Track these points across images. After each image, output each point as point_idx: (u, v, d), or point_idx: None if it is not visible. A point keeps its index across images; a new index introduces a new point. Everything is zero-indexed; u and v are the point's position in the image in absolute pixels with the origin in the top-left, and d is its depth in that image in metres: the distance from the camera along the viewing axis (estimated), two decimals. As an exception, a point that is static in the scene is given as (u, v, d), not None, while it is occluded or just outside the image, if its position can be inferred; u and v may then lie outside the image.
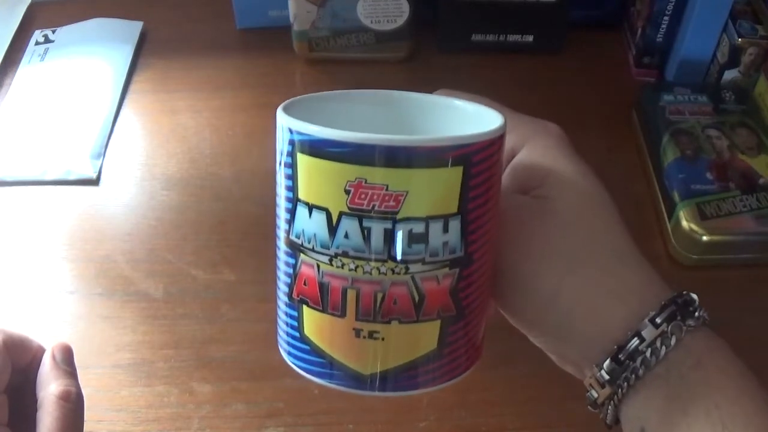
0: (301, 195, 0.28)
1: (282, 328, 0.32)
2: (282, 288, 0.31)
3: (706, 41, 0.71)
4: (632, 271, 0.32)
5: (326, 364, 0.30)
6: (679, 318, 0.30)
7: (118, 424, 0.50)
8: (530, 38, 0.76)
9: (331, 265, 0.28)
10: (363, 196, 0.27)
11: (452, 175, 0.27)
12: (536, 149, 0.34)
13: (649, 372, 0.29)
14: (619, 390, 0.30)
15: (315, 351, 0.30)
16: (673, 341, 0.29)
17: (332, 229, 0.27)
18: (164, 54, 0.77)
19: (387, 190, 0.26)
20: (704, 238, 0.57)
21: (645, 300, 0.30)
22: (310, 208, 0.28)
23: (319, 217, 0.27)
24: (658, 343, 0.29)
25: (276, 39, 0.76)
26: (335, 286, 0.28)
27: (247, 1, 0.77)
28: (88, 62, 0.75)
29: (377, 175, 0.26)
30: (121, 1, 0.81)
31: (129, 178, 0.66)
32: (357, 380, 0.29)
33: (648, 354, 0.29)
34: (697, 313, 0.31)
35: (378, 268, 0.27)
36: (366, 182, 0.26)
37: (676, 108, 0.66)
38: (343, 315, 0.28)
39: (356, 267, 0.27)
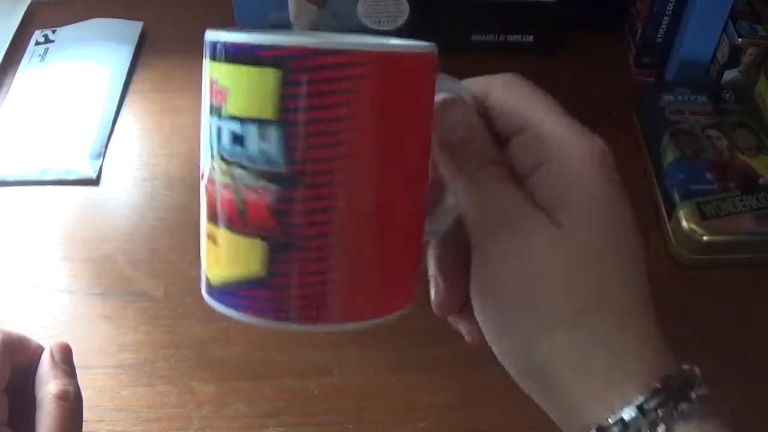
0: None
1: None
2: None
3: (706, 41, 0.71)
4: (630, 340, 0.28)
5: (199, 269, 0.30)
6: (671, 404, 0.26)
7: (118, 424, 0.50)
8: (530, 38, 0.76)
9: (211, 168, 0.28)
10: (212, 92, 0.28)
11: (267, 77, 0.26)
12: (568, 163, 0.30)
13: None
14: None
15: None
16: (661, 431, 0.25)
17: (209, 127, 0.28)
18: (164, 54, 0.77)
19: (216, 85, 0.27)
20: (704, 238, 0.57)
21: (636, 378, 0.27)
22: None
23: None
24: None
25: (276, 39, 0.76)
26: (208, 188, 0.29)
27: (247, 2, 0.77)
28: (88, 62, 0.75)
29: (212, 69, 0.28)
30: (121, 1, 0.81)
31: (129, 178, 0.66)
32: (210, 290, 0.30)
33: None
34: (694, 394, 0.27)
35: (213, 167, 0.28)
36: (211, 78, 0.28)
37: (676, 108, 0.66)
38: (204, 217, 0.29)
39: (204, 165, 0.28)
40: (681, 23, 0.71)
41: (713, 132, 0.64)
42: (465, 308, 0.31)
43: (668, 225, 0.60)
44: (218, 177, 0.27)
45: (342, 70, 0.26)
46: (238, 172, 0.27)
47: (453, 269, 0.31)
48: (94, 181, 0.65)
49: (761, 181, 0.60)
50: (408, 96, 0.28)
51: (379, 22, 0.72)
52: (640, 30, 0.74)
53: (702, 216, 0.57)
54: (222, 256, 0.28)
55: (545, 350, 0.27)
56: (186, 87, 0.74)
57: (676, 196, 0.59)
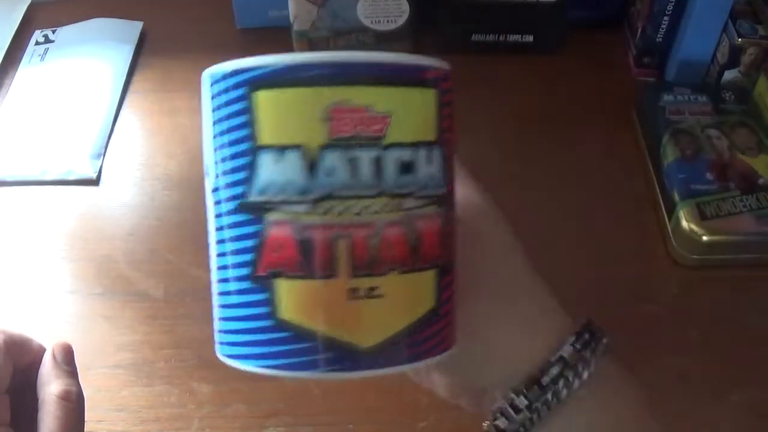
0: (265, 139, 0.24)
1: (238, 326, 0.26)
2: (237, 274, 0.26)
3: (706, 41, 0.71)
4: (544, 305, 0.32)
5: (317, 348, 0.25)
6: (593, 343, 0.30)
7: (118, 424, 0.50)
8: (530, 38, 0.76)
9: (314, 213, 0.24)
10: (346, 121, 0.24)
11: (430, 98, 0.25)
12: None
13: (571, 395, 0.29)
14: (536, 414, 0.29)
15: (299, 335, 0.25)
16: (593, 365, 0.30)
17: (312, 168, 0.24)
18: (164, 54, 0.77)
19: (372, 111, 0.24)
20: (704, 238, 0.57)
21: (559, 328, 0.31)
22: (279, 150, 0.24)
23: (293, 158, 0.24)
24: (579, 367, 0.29)
25: (276, 39, 0.76)
26: (320, 239, 0.24)
27: (247, 1, 0.77)
28: (88, 62, 0.75)
29: (361, 95, 0.24)
30: (121, 1, 0.81)
31: (129, 178, 0.66)
32: (356, 357, 0.25)
33: (570, 377, 0.29)
34: (604, 339, 0.31)
35: (369, 207, 0.24)
36: (348, 105, 0.23)
37: (676, 108, 0.66)
38: (333, 275, 0.24)
39: (345, 209, 0.24)
40: (681, 23, 0.71)
41: (713, 132, 0.64)
42: None
43: (668, 225, 0.60)
44: (380, 217, 0.24)
45: (451, 89, 0.27)
46: (408, 203, 0.25)
47: None
48: (94, 181, 0.65)
49: (761, 181, 0.60)
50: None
51: (379, 22, 0.72)
52: (640, 30, 0.74)
53: (702, 216, 0.57)
54: (392, 308, 0.25)
55: (485, 330, 0.30)
56: (186, 87, 0.74)
57: (676, 196, 0.59)
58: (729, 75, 0.70)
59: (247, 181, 0.25)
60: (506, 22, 0.75)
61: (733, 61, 0.69)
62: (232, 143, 0.25)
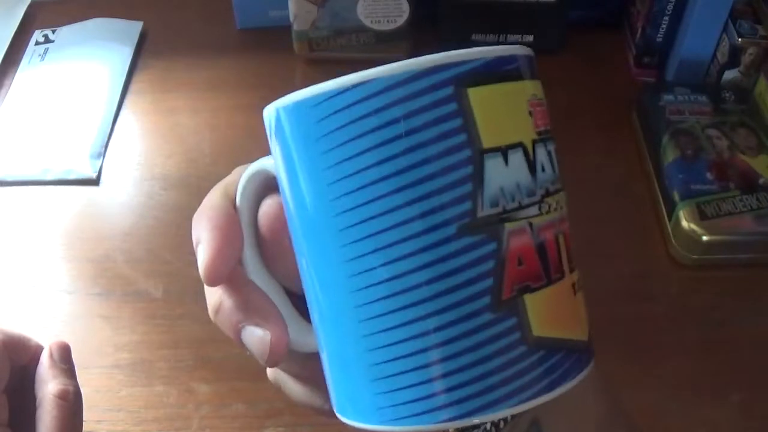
0: (489, 141, 0.22)
1: (483, 370, 0.22)
2: (473, 308, 0.22)
3: (706, 41, 0.70)
4: None
5: (566, 358, 0.23)
6: None
7: (117, 424, 0.50)
8: (530, 38, 0.76)
9: (541, 213, 0.23)
10: (541, 115, 0.23)
11: (536, 89, 0.24)
12: None
13: None
14: None
15: (553, 349, 0.22)
16: None
17: (532, 166, 0.22)
18: (164, 54, 0.77)
19: (542, 104, 0.24)
20: (704, 238, 0.57)
21: None
22: (505, 152, 0.22)
23: (518, 158, 0.22)
24: None
25: (276, 39, 0.76)
26: (550, 239, 0.23)
27: (247, 1, 0.77)
28: (88, 62, 0.75)
29: (539, 88, 0.24)
30: (121, 1, 0.81)
31: (129, 178, 0.66)
32: (584, 356, 0.23)
33: None
34: None
35: (558, 200, 0.23)
36: (536, 98, 0.23)
37: (676, 108, 0.66)
38: (563, 274, 0.23)
39: (557, 204, 0.23)
40: (681, 23, 0.71)
41: (713, 132, 0.64)
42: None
43: (668, 225, 0.60)
44: (560, 212, 0.23)
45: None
46: (555, 201, 0.23)
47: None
48: (94, 181, 0.65)
49: (761, 181, 0.60)
50: None
51: (379, 21, 0.72)
52: (640, 30, 0.74)
53: (702, 216, 0.57)
54: (586, 296, 0.24)
55: None
56: (185, 87, 0.74)
57: (676, 196, 0.59)
58: (729, 75, 0.70)
59: (472, 195, 0.22)
60: (506, 21, 0.75)
61: (733, 61, 0.69)
62: (446, 151, 0.21)
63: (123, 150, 0.68)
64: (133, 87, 0.74)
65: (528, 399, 0.22)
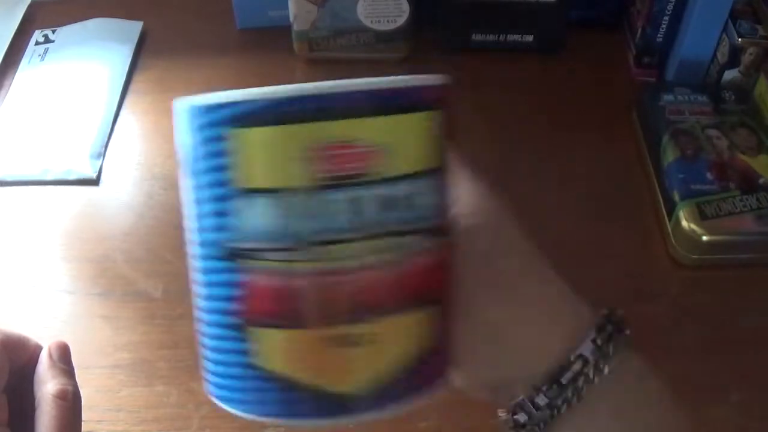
0: (247, 182, 0.22)
1: (223, 371, 0.26)
2: (215, 319, 0.24)
3: (706, 41, 0.70)
4: (560, 296, 0.31)
5: (303, 398, 0.23)
6: (615, 336, 0.30)
7: (118, 424, 0.50)
8: (530, 38, 0.76)
9: (303, 261, 0.22)
10: (333, 159, 0.21)
11: (430, 122, 0.23)
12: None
13: (592, 390, 0.29)
14: (556, 411, 0.29)
15: (287, 386, 0.23)
16: (614, 360, 0.29)
17: (297, 212, 0.22)
18: (164, 54, 0.77)
19: (361, 146, 0.22)
20: (704, 238, 0.57)
21: (579, 321, 0.30)
22: (264, 194, 0.22)
23: (278, 203, 0.22)
24: (600, 363, 0.29)
25: (276, 39, 0.76)
26: (307, 286, 0.22)
27: (247, 1, 0.77)
28: (88, 62, 0.75)
29: (343, 130, 0.21)
30: (121, 1, 0.81)
31: (129, 178, 0.66)
32: (345, 406, 0.23)
33: (590, 373, 0.29)
34: (627, 330, 0.31)
35: (361, 249, 0.22)
36: (335, 142, 0.21)
37: (676, 108, 0.66)
38: (322, 323, 0.23)
39: (334, 255, 0.22)
40: (681, 23, 0.71)
41: (713, 132, 0.64)
42: None
43: (668, 225, 0.60)
44: (374, 258, 0.22)
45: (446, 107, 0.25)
46: (406, 240, 0.23)
47: None
48: (94, 181, 0.65)
49: (761, 181, 0.60)
50: None
51: (379, 21, 0.72)
52: (640, 30, 0.74)
53: (702, 216, 0.57)
54: (378, 353, 0.23)
55: (499, 325, 0.30)
56: (186, 87, 0.74)
57: (676, 196, 0.59)
58: (729, 75, 0.70)
59: (225, 228, 0.23)
60: (506, 21, 0.75)
61: (733, 61, 0.69)
62: (212, 185, 0.23)
63: (123, 150, 0.68)
64: (133, 87, 0.74)
65: (254, 414, 0.25)
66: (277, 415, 0.24)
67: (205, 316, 0.25)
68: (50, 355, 0.38)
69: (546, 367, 0.29)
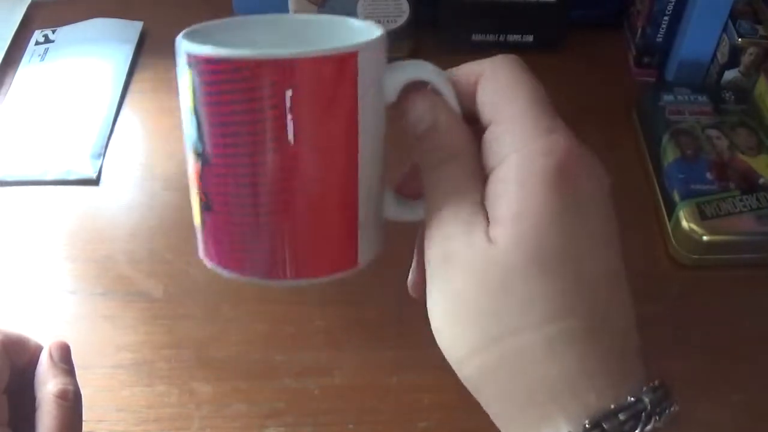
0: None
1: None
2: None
3: (706, 41, 0.71)
4: (558, 366, 0.25)
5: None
6: (644, 415, 0.25)
7: (118, 424, 0.50)
8: (530, 38, 0.76)
9: None
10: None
11: (189, 75, 0.31)
12: (522, 158, 0.27)
13: None
14: None
15: None
16: None
17: None
18: (164, 54, 0.76)
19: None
20: (704, 238, 0.57)
21: (565, 411, 0.25)
22: None
23: None
24: None
25: (276, 39, 0.76)
26: None
27: (247, 1, 0.77)
28: (88, 62, 0.75)
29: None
30: (121, 1, 0.81)
31: (129, 178, 0.66)
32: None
33: None
34: (672, 408, 0.26)
35: None
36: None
37: (676, 108, 0.66)
38: None
39: None
40: (681, 23, 0.71)
41: (713, 132, 0.64)
42: None
43: (668, 225, 0.60)
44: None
45: (232, 74, 0.29)
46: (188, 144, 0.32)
47: (421, 255, 0.30)
48: (94, 181, 0.65)
49: (761, 181, 0.60)
50: (311, 95, 0.30)
51: (379, 21, 0.72)
52: (640, 30, 0.74)
53: (702, 216, 0.57)
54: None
55: (472, 369, 0.27)
56: (186, 87, 0.74)
57: (676, 196, 0.59)
58: (729, 75, 0.70)
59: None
60: (506, 21, 0.75)
61: (733, 61, 0.69)
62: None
63: (123, 150, 0.68)
64: (134, 87, 0.74)
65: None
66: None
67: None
68: (51, 355, 0.38)
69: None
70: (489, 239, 0.26)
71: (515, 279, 0.26)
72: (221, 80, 0.30)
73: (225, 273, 0.34)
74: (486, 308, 0.26)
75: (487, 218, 0.27)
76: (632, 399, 0.25)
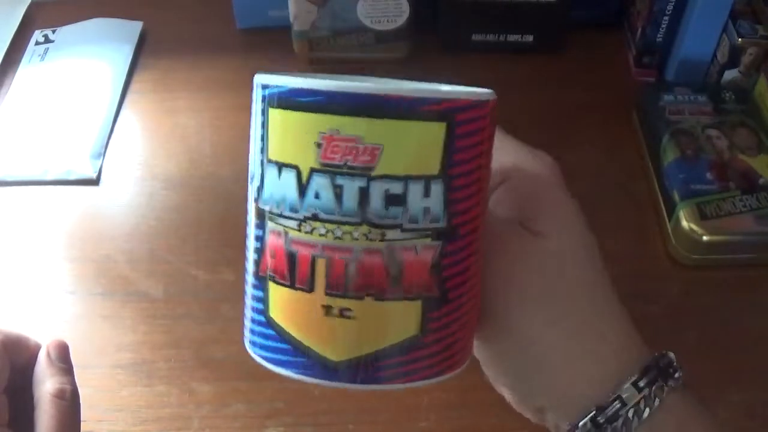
0: (271, 154, 0.26)
1: (247, 315, 0.30)
2: (249, 268, 0.29)
3: (706, 41, 0.71)
4: (613, 328, 0.31)
5: (293, 351, 0.27)
6: (660, 381, 0.29)
7: (118, 424, 0.50)
8: (530, 38, 0.76)
9: (300, 230, 0.26)
10: (335, 149, 0.25)
11: (434, 132, 0.25)
12: (529, 176, 0.33)
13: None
14: None
15: (281, 336, 0.27)
16: (656, 403, 0.29)
17: (302, 188, 0.25)
18: (164, 54, 0.77)
19: (362, 142, 0.25)
20: (704, 238, 0.57)
21: (625, 361, 0.30)
22: (280, 167, 0.26)
23: (289, 177, 0.26)
24: (641, 405, 0.29)
25: (276, 39, 0.76)
26: (303, 254, 0.26)
27: (247, 1, 0.77)
28: (88, 62, 0.75)
29: (351, 125, 0.25)
30: (121, 1, 0.81)
31: (129, 178, 0.66)
32: (327, 369, 0.27)
33: (630, 415, 0.28)
34: (677, 374, 0.30)
35: (351, 233, 0.25)
36: (339, 134, 0.25)
37: (676, 108, 0.66)
38: (311, 289, 0.26)
39: (327, 232, 0.25)
40: (681, 23, 0.71)
41: (713, 132, 0.64)
42: None
43: (668, 225, 0.60)
44: (360, 244, 0.25)
45: (480, 122, 0.27)
46: (392, 233, 0.25)
47: None
48: (94, 181, 0.65)
49: (761, 181, 0.60)
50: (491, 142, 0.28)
51: (379, 21, 0.72)
52: (640, 30, 0.74)
53: (702, 216, 0.57)
54: (365, 330, 0.26)
55: (544, 344, 0.30)
56: (186, 87, 0.74)
57: (676, 196, 0.59)
58: (729, 75, 0.70)
59: (259, 189, 0.27)
60: (507, 21, 0.75)
61: (733, 61, 0.69)
62: (256, 152, 0.28)
63: (123, 150, 0.68)
64: (134, 87, 0.74)
65: (256, 354, 0.29)
66: (280, 365, 0.28)
67: (246, 274, 0.29)
68: (48, 354, 0.38)
69: (587, 397, 0.29)
70: (535, 233, 0.31)
71: (570, 259, 0.31)
72: (476, 129, 0.27)
73: (434, 381, 0.28)
74: (553, 289, 0.30)
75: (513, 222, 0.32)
76: (665, 352, 0.31)
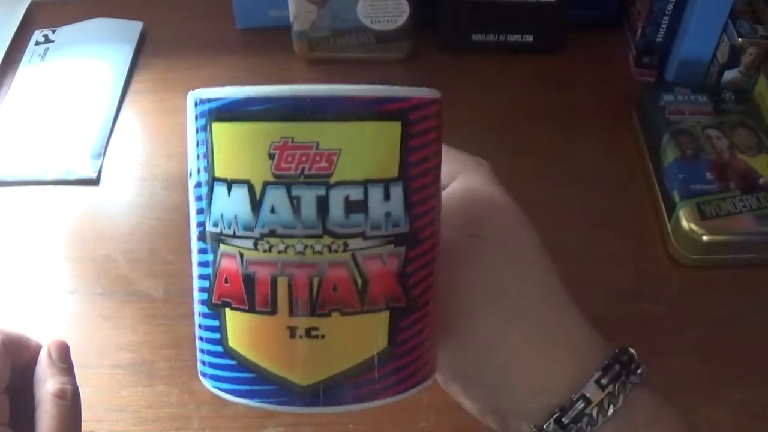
0: (218, 172, 0.24)
1: (200, 347, 0.27)
2: (199, 297, 0.27)
3: (706, 41, 0.71)
4: (571, 327, 0.31)
5: (257, 379, 0.25)
6: (623, 377, 0.29)
7: (118, 424, 0.50)
8: (530, 38, 0.76)
9: (257, 249, 0.24)
10: (290, 159, 0.23)
11: (390, 132, 0.24)
12: (470, 182, 0.33)
13: (598, 429, 0.28)
14: None
15: (243, 364, 0.25)
16: (620, 400, 0.29)
17: (256, 204, 0.24)
18: (164, 54, 0.77)
19: (318, 149, 0.23)
20: (704, 238, 0.57)
21: (586, 359, 0.30)
22: (229, 184, 0.24)
23: (240, 193, 0.24)
24: (605, 403, 0.28)
25: (276, 39, 0.76)
26: (263, 275, 0.24)
27: (247, 1, 0.77)
28: (88, 62, 0.75)
29: (306, 131, 0.23)
30: (121, 1, 0.81)
31: (129, 178, 0.66)
32: (295, 394, 0.25)
33: (594, 414, 0.28)
34: (639, 370, 0.30)
35: (312, 246, 0.24)
36: (293, 142, 0.23)
37: (676, 108, 0.66)
38: (273, 311, 0.24)
39: (286, 248, 0.24)
40: (681, 23, 0.71)
41: (713, 132, 0.64)
42: None
43: (668, 225, 0.60)
44: (323, 257, 0.24)
45: (432, 120, 0.26)
46: (355, 242, 0.24)
47: None
48: (94, 181, 0.65)
49: (761, 181, 0.60)
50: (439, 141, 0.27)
51: (379, 21, 0.72)
52: (640, 30, 0.74)
53: (702, 216, 0.57)
54: (334, 349, 0.25)
55: (504, 349, 0.30)
56: (186, 87, 0.73)
57: (676, 196, 0.59)
58: (729, 75, 0.70)
59: (205, 211, 0.25)
60: (506, 22, 0.75)
61: (733, 61, 0.69)
62: (198, 171, 0.26)
63: (123, 150, 0.68)
64: (134, 87, 0.74)
65: (217, 388, 0.26)
66: (234, 394, 0.26)
67: (195, 305, 0.27)
68: (49, 354, 0.38)
69: (547, 400, 0.29)
70: (479, 237, 0.31)
71: (519, 260, 0.31)
72: (432, 127, 0.26)
73: (404, 396, 0.27)
74: (508, 291, 0.31)
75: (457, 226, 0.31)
76: (625, 348, 0.31)
